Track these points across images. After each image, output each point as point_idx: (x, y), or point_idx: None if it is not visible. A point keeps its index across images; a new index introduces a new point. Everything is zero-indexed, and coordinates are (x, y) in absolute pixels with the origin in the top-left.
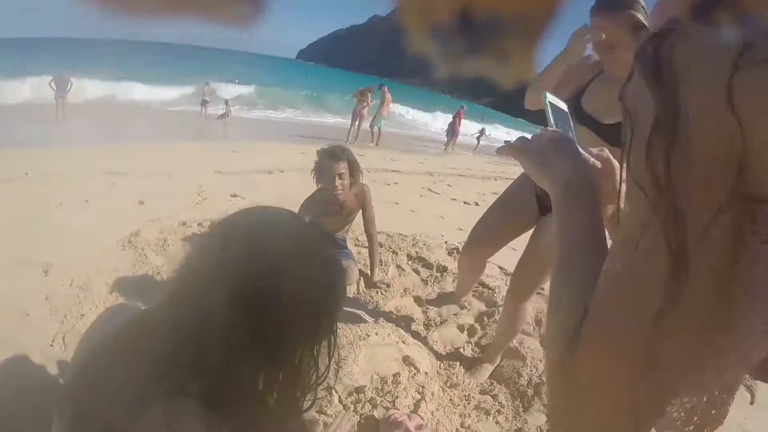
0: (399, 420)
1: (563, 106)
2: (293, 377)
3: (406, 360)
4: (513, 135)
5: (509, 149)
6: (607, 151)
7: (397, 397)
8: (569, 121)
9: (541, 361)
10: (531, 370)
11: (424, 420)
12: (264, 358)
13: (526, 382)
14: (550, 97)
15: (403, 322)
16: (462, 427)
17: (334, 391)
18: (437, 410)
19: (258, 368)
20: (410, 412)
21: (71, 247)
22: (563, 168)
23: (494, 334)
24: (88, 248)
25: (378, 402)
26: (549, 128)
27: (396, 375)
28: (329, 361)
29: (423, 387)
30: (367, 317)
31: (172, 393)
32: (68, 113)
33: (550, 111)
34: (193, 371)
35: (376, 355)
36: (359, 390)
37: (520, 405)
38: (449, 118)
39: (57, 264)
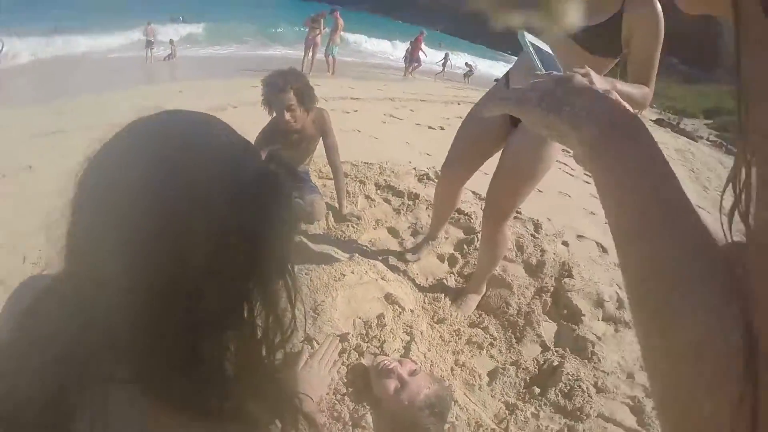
0: (390, 367)
1: (546, 47)
2: (247, 338)
3: (389, 298)
4: (477, 61)
5: (503, 104)
6: (615, 93)
7: (385, 341)
8: (556, 62)
9: (527, 288)
10: (519, 299)
11: (417, 364)
12: (198, 322)
13: (516, 312)
14: (529, 37)
15: (380, 256)
16: (456, 365)
17: (315, 343)
18: (429, 351)
19: (194, 335)
20: (401, 356)
21: (19, 220)
22: (598, 107)
23: (476, 263)
24: (37, 217)
25: (364, 349)
26: (538, 71)
27: (380, 316)
28: (292, 309)
29: (410, 327)
30: (340, 254)
31: (97, 383)
32: (4, 77)
33: (533, 53)
34: (110, 351)
35: (355, 296)
36: (342, 338)
37: (513, 336)
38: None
39: (5, 244)
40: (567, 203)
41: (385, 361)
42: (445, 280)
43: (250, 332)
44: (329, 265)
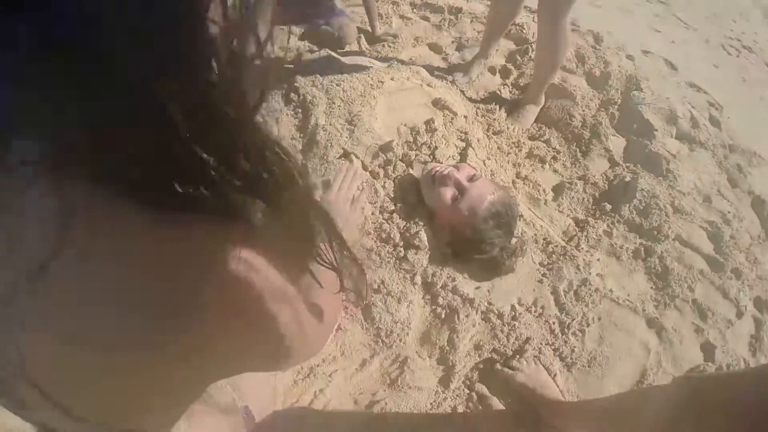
0: (445, 173)
1: None
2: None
3: (438, 103)
4: None
5: None
6: None
7: (436, 147)
8: None
9: (591, 99)
10: (583, 111)
11: (476, 169)
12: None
13: (580, 124)
14: None
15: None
16: (518, 177)
17: (353, 157)
18: (488, 159)
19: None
20: (457, 163)
21: None
22: None
23: (532, 73)
24: None
25: (413, 158)
26: None
27: (429, 122)
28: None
29: (465, 133)
30: (376, 64)
31: None
32: None
33: None
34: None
35: (397, 102)
36: (386, 148)
37: (578, 150)
38: None
39: None
40: (628, 20)
41: (439, 167)
42: (498, 92)
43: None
44: (364, 74)
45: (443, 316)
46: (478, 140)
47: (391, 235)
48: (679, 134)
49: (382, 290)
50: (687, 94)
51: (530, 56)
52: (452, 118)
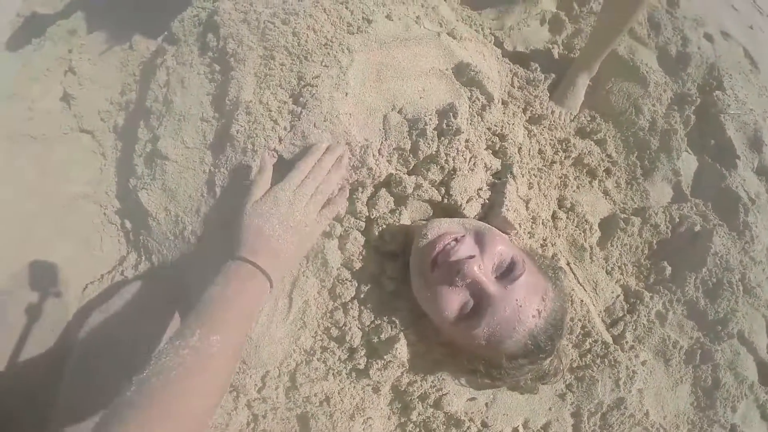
0: (453, 259)
1: None
2: None
3: (463, 72)
4: None
5: None
6: None
7: (454, 172)
8: None
9: (664, 90)
10: (654, 105)
11: (514, 242)
12: None
13: (648, 124)
14: None
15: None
16: (561, 208)
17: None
18: (531, 185)
19: None
20: (481, 212)
21: None
22: None
23: (590, 30)
24: None
25: (409, 189)
26: None
27: (447, 111)
28: None
29: (503, 137)
30: None
31: None
32: None
33: None
34: None
35: (393, 64)
36: (354, 157)
37: (638, 163)
38: None
39: None
40: None
41: (444, 244)
42: (545, 51)
43: None
44: (337, 2)
45: None
46: (518, 150)
47: (347, 337)
48: (761, 168)
49: (325, 406)
50: None
51: (591, 6)
52: (484, 107)
